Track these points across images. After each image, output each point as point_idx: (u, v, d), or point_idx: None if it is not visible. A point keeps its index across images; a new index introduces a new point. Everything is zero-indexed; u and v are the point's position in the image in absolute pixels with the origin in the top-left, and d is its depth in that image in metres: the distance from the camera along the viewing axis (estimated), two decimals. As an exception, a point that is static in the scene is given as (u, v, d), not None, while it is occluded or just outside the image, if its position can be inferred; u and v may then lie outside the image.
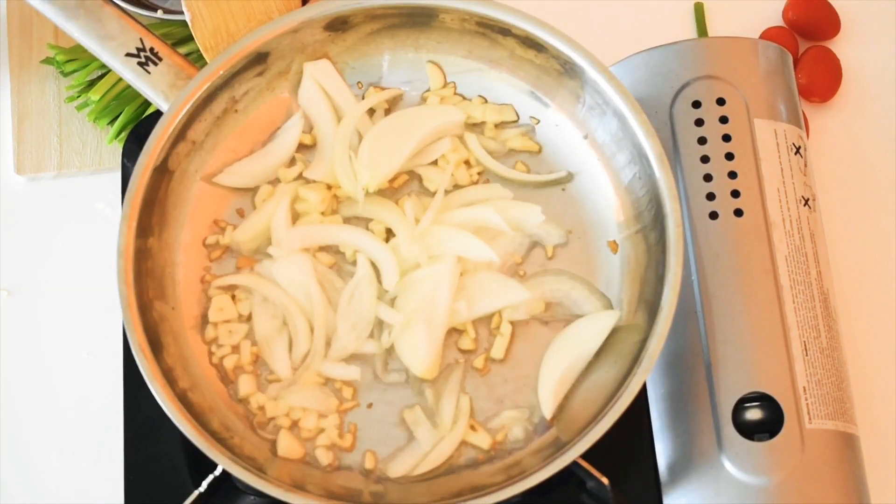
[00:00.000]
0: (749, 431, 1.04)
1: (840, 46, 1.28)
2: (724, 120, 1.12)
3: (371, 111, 1.13)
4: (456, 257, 1.07)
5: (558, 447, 1.00)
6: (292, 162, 1.12)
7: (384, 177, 1.09)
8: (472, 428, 1.04)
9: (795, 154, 1.13)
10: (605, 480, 0.99)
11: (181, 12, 1.15)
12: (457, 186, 1.12)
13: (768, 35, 1.27)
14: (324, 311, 1.07)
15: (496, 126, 1.14)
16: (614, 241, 1.09)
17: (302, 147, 1.13)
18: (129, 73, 1.09)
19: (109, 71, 1.22)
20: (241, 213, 1.11)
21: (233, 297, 1.08)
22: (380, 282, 1.08)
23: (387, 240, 1.09)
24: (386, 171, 1.09)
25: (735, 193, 1.10)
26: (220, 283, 1.08)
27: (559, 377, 1.04)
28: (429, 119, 1.12)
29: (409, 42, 1.14)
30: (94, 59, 1.19)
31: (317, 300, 1.07)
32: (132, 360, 1.00)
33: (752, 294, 1.07)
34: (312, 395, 1.05)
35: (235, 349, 1.07)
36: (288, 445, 1.04)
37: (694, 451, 1.05)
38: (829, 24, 1.28)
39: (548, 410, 1.04)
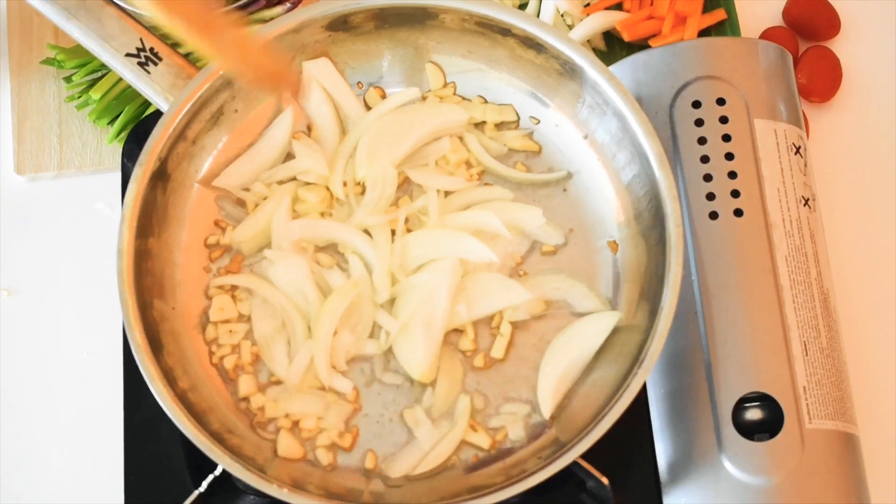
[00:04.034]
0: (749, 431, 1.04)
1: (840, 46, 1.28)
2: (724, 120, 1.12)
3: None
4: (457, 261, 1.07)
5: (558, 447, 1.00)
6: (289, 157, 1.12)
7: (382, 171, 1.09)
8: (472, 428, 1.04)
9: (795, 154, 1.13)
10: (605, 480, 0.99)
11: (181, 12, 1.15)
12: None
13: (768, 35, 1.27)
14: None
15: (496, 126, 1.14)
16: (614, 241, 1.09)
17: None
18: (129, 73, 1.09)
19: (109, 71, 1.22)
20: (240, 207, 1.11)
21: (233, 296, 1.08)
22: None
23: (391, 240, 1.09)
24: (384, 165, 1.09)
25: (735, 193, 1.10)
26: (219, 283, 1.08)
27: (558, 377, 1.04)
28: (431, 117, 1.12)
29: (410, 42, 1.14)
30: (94, 59, 1.19)
31: (313, 302, 1.07)
32: (132, 360, 1.00)
33: (752, 294, 1.07)
34: (312, 398, 1.05)
35: (235, 349, 1.07)
36: (288, 445, 1.04)
37: (694, 451, 1.05)
38: (829, 24, 1.28)
39: (546, 410, 1.04)
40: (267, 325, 1.07)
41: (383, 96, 1.15)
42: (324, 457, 1.04)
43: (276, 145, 1.12)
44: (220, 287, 1.08)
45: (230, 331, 1.07)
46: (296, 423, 1.05)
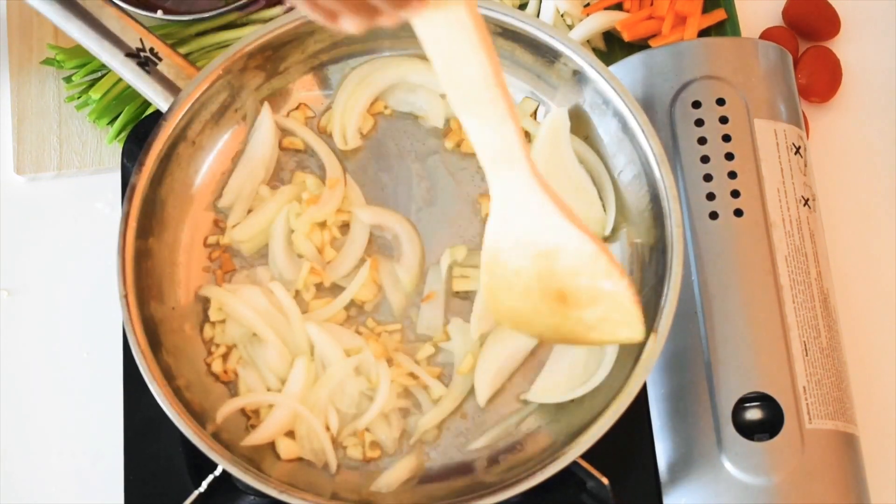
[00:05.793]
0: (749, 431, 1.04)
1: (840, 46, 1.28)
2: (724, 120, 1.12)
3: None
4: None
5: (558, 448, 1.00)
6: (281, 160, 1.12)
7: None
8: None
9: (795, 154, 1.13)
10: (605, 480, 0.99)
11: (181, 12, 1.15)
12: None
13: (768, 35, 1.27)
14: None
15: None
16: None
17: None
18: (129, 73, 1.09)
19: (109, 71, 1.22)
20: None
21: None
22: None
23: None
24: None
25: (735, 193, 1.10)
26: (204, 293, 1.08)
27: (497, 369, 1.05)
28: None
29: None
30: (94, 59, 1.19)
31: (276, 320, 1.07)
32: (132, 360, 1.00)
33: (752, 294, 1.07)
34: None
35: (235, 349, 1.07)
36: (288, 446, 1.04)
37: (694, 451, 1.05)
38: (829, 24, 1.28)
39: (483, 398, 1.04)
40: (238, 330, 1.07)
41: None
42: (322, 458, 1.04)
43: (262, 151, 1.11)
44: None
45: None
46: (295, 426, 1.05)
